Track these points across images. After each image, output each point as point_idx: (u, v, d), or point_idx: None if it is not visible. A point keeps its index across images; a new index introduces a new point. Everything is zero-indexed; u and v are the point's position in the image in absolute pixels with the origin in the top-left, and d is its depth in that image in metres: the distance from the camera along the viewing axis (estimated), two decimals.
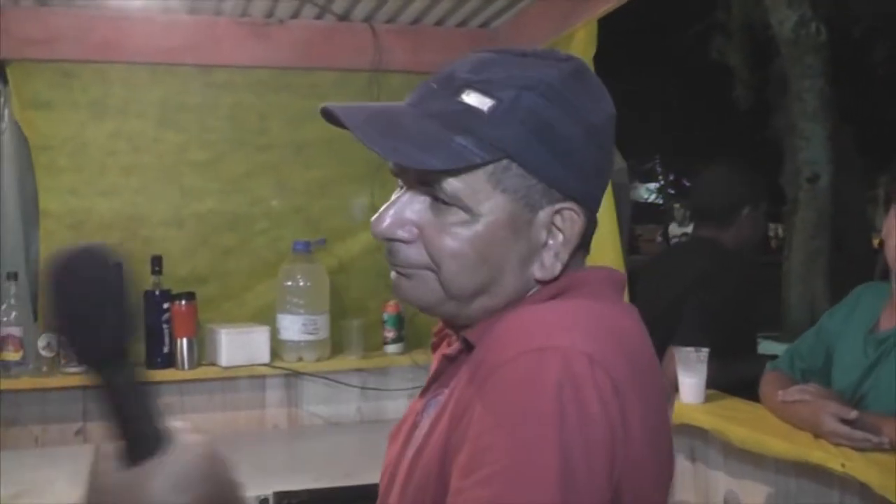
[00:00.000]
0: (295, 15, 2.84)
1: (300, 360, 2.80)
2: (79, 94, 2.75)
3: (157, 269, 2.68)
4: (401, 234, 0.89)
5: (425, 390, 0.99)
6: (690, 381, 2.12)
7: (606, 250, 2.28)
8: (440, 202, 0.88)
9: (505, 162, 0.86)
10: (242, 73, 2.89)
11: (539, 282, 0.90)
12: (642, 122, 12.62)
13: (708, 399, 2.13)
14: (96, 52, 2.72)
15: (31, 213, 2.76)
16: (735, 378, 2.25)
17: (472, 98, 0.86)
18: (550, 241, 0.90)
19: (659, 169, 22.38)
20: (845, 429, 1.71)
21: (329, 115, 0.88)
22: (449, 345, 0.98)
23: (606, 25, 2.37)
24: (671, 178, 22.33)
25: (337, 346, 2.89)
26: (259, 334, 2.76)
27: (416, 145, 0.84)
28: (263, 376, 2.81)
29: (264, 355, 2.76)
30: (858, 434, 1.70)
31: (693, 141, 14.22)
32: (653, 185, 24.28)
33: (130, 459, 0.78)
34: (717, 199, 2.64)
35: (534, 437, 0.74)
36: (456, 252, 0.87)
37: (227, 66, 2.86)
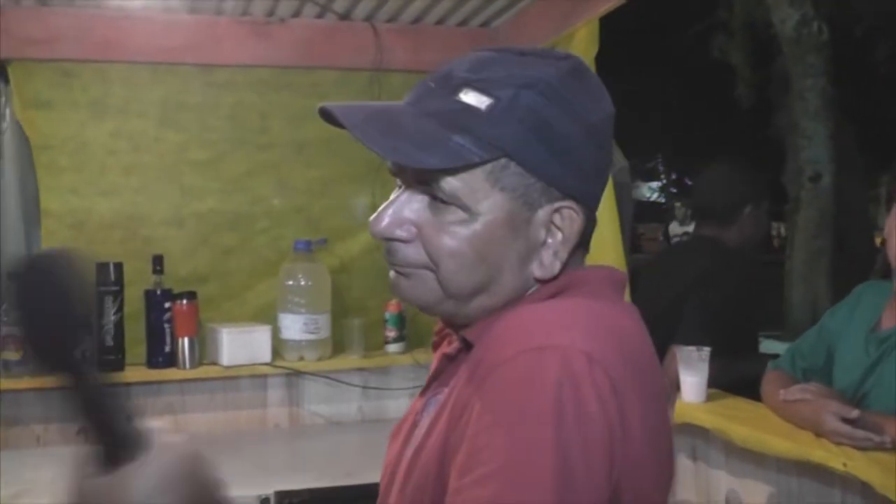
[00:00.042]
0: (296, 14, 2.84)
1: (301, 359, 2.80)
2: (79, 93, 2.75)
3: (158, 268, 2.68)
4: (399, 233, 0.89)
5: (425, 389, 0.99)
6: (692, 379, 2.12)
7: (608, 249, 2.28)
8: (438, 201, 0.87)
9: (503, 161, 0.86)
10: (243, 72, 2.88)
11: (538, 281, 0.90)
12: (644, 122, 12.63)
13: (709, 398, 2.13)
14: (97, 52, 2.72)
15: (32, 212, 2.77)
16: (737, 377, 2.25)
17: (470, 97, 0.86)
18: (549, 240, 0.89)
19: (661, 168, 22.39)
20: (847, 428, 1.71)
21: (327, 115, 0.87)
22: (449, 344, 0.97)
23: (608, 25, 2.37)
24: (673, 176, 22.33)
25: (338, 345, 2.89)
26: (260, 334, 2.76)
27: (415, 144, 0.84)
28: (265, 376, 2.81)
29: (266, 355, 2.76)
30: (860, 433, 1.70)
31: (695, 140, 14.22)
32: (655, 184, 24.29)
33: (108, 464, 0.77)
34: (719, 197, 2.63)
35: (532, 436, 0.74)
36: (454, 251, 0.87)
37: (227, 66, 2.86)
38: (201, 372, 2.73)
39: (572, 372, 0.76)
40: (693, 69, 12.30)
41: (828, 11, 7.95)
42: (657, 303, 2.47)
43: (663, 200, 23.72)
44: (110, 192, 2.78)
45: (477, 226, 0.87)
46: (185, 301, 2.69)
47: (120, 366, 2.64)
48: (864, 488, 1.62)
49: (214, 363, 2.75)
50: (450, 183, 0.86)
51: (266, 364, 2.76)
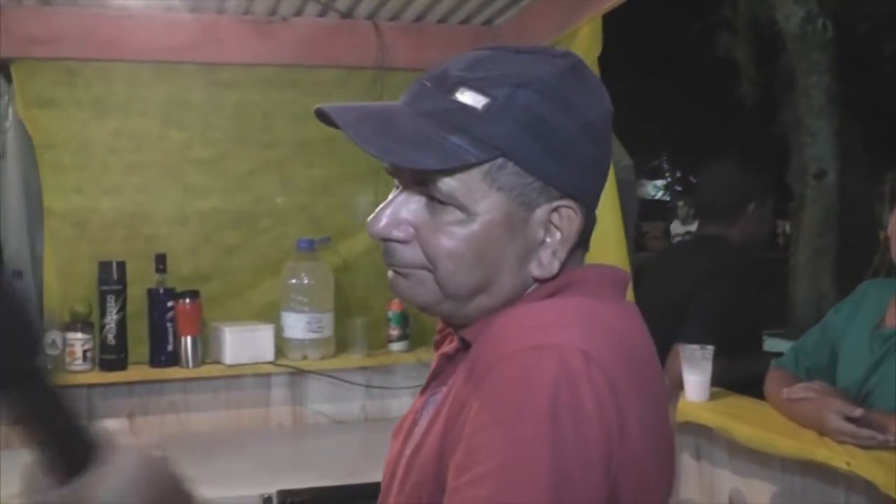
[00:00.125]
0: (298, 13, 2.83)
1: (304, 358, 2.80)
2: (82, 92, 2.75)
3: (160, 267, 2.68)
4: (397, 234, 0.89)
5: (425, 388, 0.99)
6: (695, 378, 2.11)
7: (610, 248, 2.27)
8: (436, 202, 0.87)
9: (500, 160, 0.85)
10: (246, 70, 2.88)
11: (537, 280, 0.90)
12: (648, 120, 12.61)
13: (713, 397, 2.12)
14: (99, 51, 2.72)
15: (35, 211, 2.77)
16: (740, 376, 2.24)
17: (466, 96, 0.85)
18: (548, 240, 0.89)
19: (666, 166, 22.35)
20: (850, 427, 1.71)
21: (323, 116, 0.87)
22: (450, 343, 0.97)
23: (612, 23, 2.36)
24: (678, 174, 22.30)
25: (341, 344, 2.89)
26: (263, 332, 2.76)
27: (410, 145, 0.84)
28: (268, 374, 2.81)
29: (269, 353, 2.76)
30: (864, 432, 1.70)
31: (699, 138, 14.20)
32: (660, 182, 24.25)
33: (66, 475, 0.77)
34: (723, 195, 2.62)
35: (529, 435, 0.74)
36: (452, 251, 0.87)
37: (230, 64, 2.86)
38: (204, 371, 2.73)
39: (569, 371, 0.76)
40: (697, 67, 12.28)
41: (832, 8, 7.92)
42: (660, 301, 2.47)
43: (668, 199, 23.68)
44: (113, 190, 2.78)
45: (475, 226, 0.86)
46: (188, 300, 2.69)
47: (122, 365, 2.64)
48: (868, 487, 1.62)
49: (217, 362, 2.75)
50: (447, 183, 0.85)
51: (269, 363, 2.76)
